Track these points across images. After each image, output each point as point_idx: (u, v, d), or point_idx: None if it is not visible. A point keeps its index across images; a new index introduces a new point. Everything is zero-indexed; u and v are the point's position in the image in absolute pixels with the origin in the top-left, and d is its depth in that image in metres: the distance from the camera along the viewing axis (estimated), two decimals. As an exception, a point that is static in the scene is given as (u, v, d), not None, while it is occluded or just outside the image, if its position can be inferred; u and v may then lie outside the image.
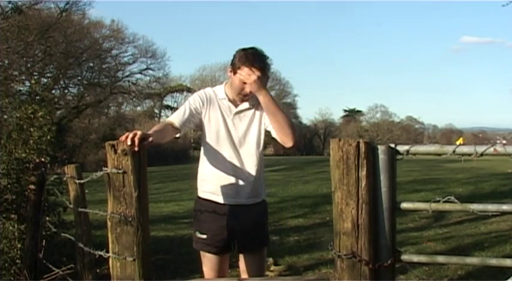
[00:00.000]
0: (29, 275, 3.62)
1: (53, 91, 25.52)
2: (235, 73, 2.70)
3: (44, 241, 3.97)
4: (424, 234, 6.82)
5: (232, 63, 2.72)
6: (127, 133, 2.16)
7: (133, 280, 2.13)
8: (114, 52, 32.48)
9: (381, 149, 2.09)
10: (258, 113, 2.77)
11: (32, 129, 4.55)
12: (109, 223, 2.15)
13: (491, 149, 2.01)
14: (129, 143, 2.10)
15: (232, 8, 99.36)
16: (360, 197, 2.04)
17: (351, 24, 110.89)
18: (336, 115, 59.41)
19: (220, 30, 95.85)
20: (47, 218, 4.41)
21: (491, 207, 2.06)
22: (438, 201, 2.08)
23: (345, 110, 58.77)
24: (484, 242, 6.14)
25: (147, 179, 2.20)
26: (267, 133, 2.80)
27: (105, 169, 2.14)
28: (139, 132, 2.17)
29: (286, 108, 24.43)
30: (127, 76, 33.86)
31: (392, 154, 2.11)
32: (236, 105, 2.78)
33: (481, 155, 2.02)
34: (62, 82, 29.44)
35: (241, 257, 2.89)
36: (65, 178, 4.03)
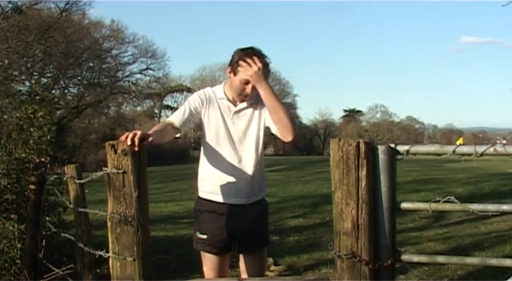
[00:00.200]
0: (29, 275, 3.62)
1: (53, 91, 25.53)
2: (234, 74, 2.70)
3: (44, 241, 3.96)
4: (424, 234, 6.81)
5: (231, 64, 2.72)
6: (127, 133, 2.16)
7: (133, 280, 2.13)
8: (114, 52, 32.54)
9: (381, 149, 2.09)
10: (257, 111, 2.77)
11: (32, 129, 4.55)
12: (109, 223, 2.15)
13: (491, 149, 2.01)
14: (129, 143, 2.10)
15: (232, 8, 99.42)
16: (360, 197, 2.04)
17: (351, 24, 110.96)
18: (336, 115, 59.54)
19: (220, 30, 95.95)
20: (47, 218, 4.41)
21: (491, 207, 2.06)
22: (438, 201, 2.08)
23: (345, 110, 58.83)
24: (484, 242, 6.14)
25: (147, 179, 2.20)
26: (267, 133, 2.80)
27: (105, 169, 2.14)
28: (139, 132, 2.16)
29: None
30: (127, 76, 33.90)
31: (392, 154, 2.11)
32: (235, 105, 2.77)
33: (481, 155, 2.02)
34: (62, 82, 29.45)
35: (241, 257, 2.89)
36: (65, 178, 4.03)
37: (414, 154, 2.14)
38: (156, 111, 45.85)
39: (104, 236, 2.35)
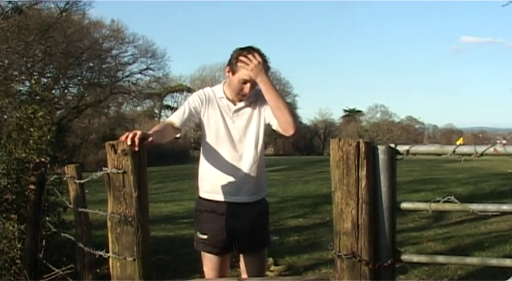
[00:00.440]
0: (29, 275, 3.61)
1: (53, 91, 25.52)
2: (233, 73, 2.70)
3: (44, 241, 3.96)
4: (424, 234, 6.81)
5: (230, 63, 2.72)
6: (127, 133, 2.16)
7: (133, 280, 2.13)
8: (114, 52, 32.50)
9: (381, 149, 2.09)
10: (257, 109, 2.77)
11: (32, 129, 4.55)
12: (109, 223, 2.15)
13: (491, 149, 2.01)
14: (129, 143, 2.10)
15: (232, 8, 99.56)
16: (360, 197, 2.04)
17: (351, 24, 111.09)
18: (336, 115, 59.59)
19: (220, 30, 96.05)
20: (47, 218, 4.41)
21: (491, 207, 2.06)
22: (438, 201, 2.08)
23: (345, 110, 58.84)
24: (484, 242, 6.14)
25: (147, 179, 2.20)
26: (267, 133, 2.80)
27: (105, 169, 2.14)
28: (139, 132, 2.16)
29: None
30: (127, 76, 33.88)
31: (392, 154, 2.11)
32: (235, 104, 2.77)
33: (481, 155, 2.02)
34: (62, 82, 29.44)
35: (241, 257, 2.89)
36: (65, 178, 4.03)
37: (414, 154, 2.14)
38: (156, 111, 45.87)
39: (104, 236, 2.35)
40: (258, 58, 2.63)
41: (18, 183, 4.20)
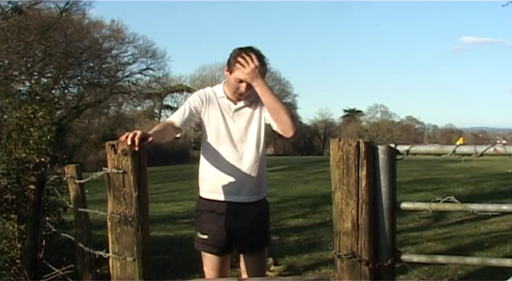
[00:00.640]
0: (29, 275, 3.61)
1: (53, 91, 25.51)
2: (230, 72, 2.71)
3: (44, 241, 3.96)
4: (424, 234, 6.81)
5: (229, 63, 2.72)
6: (127, 133, 2.16)
7: (133, 280, 2.13)
8: (114, 52, 32.50)
9: (381, 149, 2.09)
10: (257, 109, 2.77)
11: (32, 129, 4.55)
12: (109, 223, 2.15)
13: (491, 149, 2.01)
14: (129, 143, 2.10)
15: (232, 8, 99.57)
16: (360, 197, 2.04)
17: (351, 24, 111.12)
18: (336, 115, 59.62)
19: (220, 30, 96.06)
20: (47, 218, 4.41)
21: (491, 207, 2.06)
22: (438, 201, 2.08)
23: (345, 110, 58.85)
24: (484, 242, 6.14)
25: (147, 179, 2.20)
26: (268, 132, 2.80)
27: (105, 169, 2.14)
28: (139, 132, 2.16)
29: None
30: (127, 76, 33.87)
31: (392, 154, 2.11)
32: (235, 103, 2.78)
33: (481, 155, 2.02)
34: (62, 82, 29.43)
35: (241, 257, 2.89)
36: (65, 178, 4.03)
37: (414, 154, 2.14)
38: (156, 111, 45.86)
39: (104, 236, 2.35)
40: (256, 62, 2.63)
41: (18, 183, 4.20)
